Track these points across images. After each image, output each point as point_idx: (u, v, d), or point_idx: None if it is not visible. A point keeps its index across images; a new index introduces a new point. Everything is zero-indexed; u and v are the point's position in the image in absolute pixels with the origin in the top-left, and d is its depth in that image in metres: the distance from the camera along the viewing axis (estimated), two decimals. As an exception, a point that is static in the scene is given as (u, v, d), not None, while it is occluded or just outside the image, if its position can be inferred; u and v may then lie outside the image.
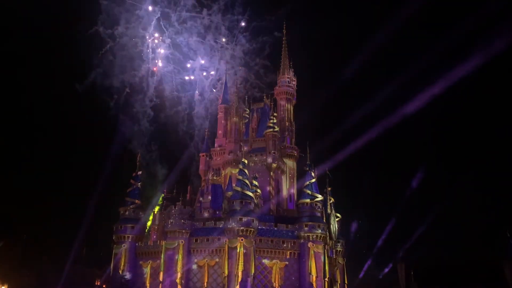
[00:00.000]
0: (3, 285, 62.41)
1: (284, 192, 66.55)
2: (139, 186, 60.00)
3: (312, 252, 52.83)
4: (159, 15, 74.30)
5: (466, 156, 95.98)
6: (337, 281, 59.17)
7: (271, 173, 64.00)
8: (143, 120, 73.90)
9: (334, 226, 59.69)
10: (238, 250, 50.83)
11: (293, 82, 73.56)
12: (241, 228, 51.39)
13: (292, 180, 68.00)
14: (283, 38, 75.78)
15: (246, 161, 57.70)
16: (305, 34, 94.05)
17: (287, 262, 53.24)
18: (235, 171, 60.61)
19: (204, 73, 78.51)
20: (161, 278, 52.29)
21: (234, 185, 56.33)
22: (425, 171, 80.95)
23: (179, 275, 51.66)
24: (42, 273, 66.98)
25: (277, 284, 51.97)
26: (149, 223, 62.65)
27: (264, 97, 72.42)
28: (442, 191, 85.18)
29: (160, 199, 65.14)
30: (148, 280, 54.29)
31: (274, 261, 52.91)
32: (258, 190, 58.90)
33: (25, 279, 64.49)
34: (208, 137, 72.64)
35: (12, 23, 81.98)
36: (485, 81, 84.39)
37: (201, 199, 59.84)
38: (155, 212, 62.30)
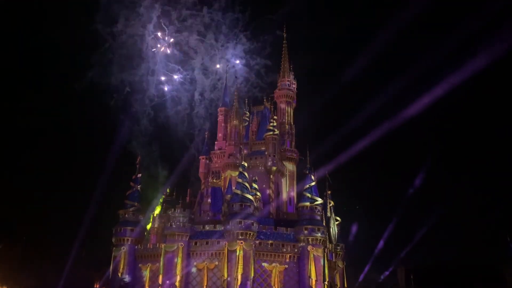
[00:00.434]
0: (2, 286, 62.41)
1: (284, 195, 66.46)
2: (139, 188, 59.97)
3: (311, 255, 52.72)
4: (159, 13, 73.60)
5: (466, 159, 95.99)
6: (337, 285, 59.11)
7: (271, 176, 63.95)
8: (143, 119, 73.68)
9: (334, 229, 59.73)
10: (237, 253, 50.80)
11: (293, 85, 73.50)
12: (241, 231, 51.37)
13: (292, 183, 67.91)
14: (284, 42, 75.75)
15: (246, 164, 57.68)
16: (305, 37, 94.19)
17: (286, 266, 53.10)
18: (235, 174, 60.62)
19: (205, 73, 77.95)
20: (160, 281, 52.19)
21: (234, 188, 56.34)
22: (425, 174, 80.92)
23: (178, 278, 51.59)
24: (42, 275, 66.97)
25: (276, 288, 51.93)
26: (148, 226, 62.60)
27: (264, 100, 72.35)
28: (442, 194, 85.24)
29: (161, 200, 65.05)
30: (147, 283, 54.17)
31: (273, 264, 52.81)
32: (258, 193, 58.86)
33: (25, 281, 64.58)
34: (208, 139, 72.61)
35: (11, 21, 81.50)
36: (485, 82, 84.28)
37: (201, 202, 59.82)
38: (155, 215, 62.21)
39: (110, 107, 72.77)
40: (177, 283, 51.42)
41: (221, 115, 72.57)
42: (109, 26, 71.03)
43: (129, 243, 56.21)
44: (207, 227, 54.70)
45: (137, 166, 61.11)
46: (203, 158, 70.73)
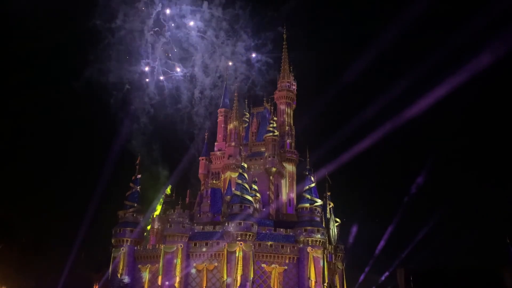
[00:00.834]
0: (2, 287, 62.28)
1: (284, 197, 66.46)
2: (138, 189, 59.91)
3: (311, 257, 52.70)
4: (159, 8, 72.83)
5: (467, 161, 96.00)
6: (336, 286, 59.13)
7: (271, 177, 63.96)
8: (142, 117, 73.32)
9: (334, 231, 59.65)
10: (237, 255, 50.80)
11: (293, 87, 73.51)
12: (240, 232, 51.37)
13: (291, 185, 67.93)
14: (284, 43, 75.67)
15: (245, 165, 57.70)
16: (305, 37, 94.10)
17: (286, 267, 53.08)
18: (234, 175, 60.65)
19: (205, 70, 77.24)
20: (159, 282, 52.24)
21: (233, 189, 56.39)
22: (426, 176, 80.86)
23: (177, 279, 51.59)
24: (41, 276, 66.83)
25: (275, 289, 51.84)
26: (148, 227, 62.54)
27: (264, 101, 72.42)
28: (442, 196, 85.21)
29: (161, 200, 64.93)
30: (147, 284, 54.17)
31: (273, 265, 52.78)
32: (258, 194, 58.84)
33: (24, 283, 64.34)
34: (207, 140, 72.57)
35: (8, 18, 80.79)
36: (486, 83, 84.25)
37: (200, 203, 59.76)
38: (154, 216, 62.15)
39: (109, 105, 72.34)
40: (176, 284, 51.42)
41: (221, 116, 72.62)
42: (108, 22, 70.04)
43: (128, 244, 56.12)
44: (206, 228, 54.72)
45: (137, 167, 61.09)
46: (202, 159, 70.77)
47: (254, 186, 58.20)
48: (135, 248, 56.34)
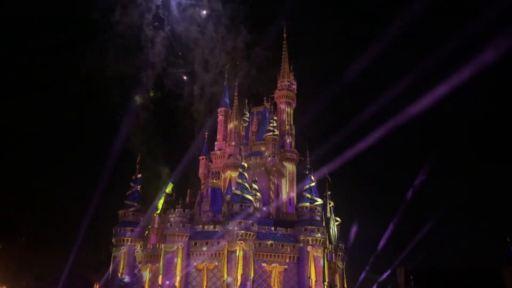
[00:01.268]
0: (2, 286, 62.30)
1: (284, 196, 66.44)
2: (139, 189, 59.93)
3: (311, 256, 52.70)
4: (159, 2, 72.22)
5: (466, 160, 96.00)
6: (337, 285, 59.08)
7: (271, 176, 63.97)
8: (143, 114, 73.05)
9: (334, 230, 59.69)
10: (237, 254, 50.80)
11: (293, 86, 73.49)
12: (241, 231, 51.38)
13: (291, 184, 67.90)
14: (284, 42, 75.57)
15: (245, 165, 57.68)
16: (305, 37, 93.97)
17: (286, 266, 53.07)
18: (234, 174, 60.65)
19: (204, 66, 76.56)
20: (160, 282, 52.24)
21: (233, 188, 56.32)
22: (425, 175, 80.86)
23: (178, 278, 51.60)
24: (41, 276, 66.86)
25: (276, 288, 51.85)
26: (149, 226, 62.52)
27: (264, 100, 72.37)
28: (442, 195, 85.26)
29: (162, 199, 64.88)
30: (147, 283, 54.20)
31: (273, 265, 52.78)
32: (258, 194, 58.83)
33: (24, 282, 64.41)
34: (208, 140, 72.54)
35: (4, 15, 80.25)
36: (486, 84, 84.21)
37: (200, 202, 59.76)
38: (155, 215, 62.12)
39: (109, 102, 72.01)
40: (177, 284, 51.44)
41: (221, 115, 72.63)
42: (106, 15, 69.08)
43: (129, 243, 56.20)
44: (207, 228, 54.70)
45: (137, 166, 61.10)
46: (203, 159, 70.71)
47: (254, 186, 58.20)
48: (136, 247, 56.36)
